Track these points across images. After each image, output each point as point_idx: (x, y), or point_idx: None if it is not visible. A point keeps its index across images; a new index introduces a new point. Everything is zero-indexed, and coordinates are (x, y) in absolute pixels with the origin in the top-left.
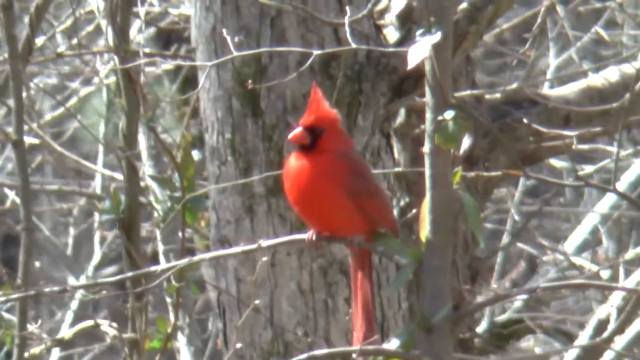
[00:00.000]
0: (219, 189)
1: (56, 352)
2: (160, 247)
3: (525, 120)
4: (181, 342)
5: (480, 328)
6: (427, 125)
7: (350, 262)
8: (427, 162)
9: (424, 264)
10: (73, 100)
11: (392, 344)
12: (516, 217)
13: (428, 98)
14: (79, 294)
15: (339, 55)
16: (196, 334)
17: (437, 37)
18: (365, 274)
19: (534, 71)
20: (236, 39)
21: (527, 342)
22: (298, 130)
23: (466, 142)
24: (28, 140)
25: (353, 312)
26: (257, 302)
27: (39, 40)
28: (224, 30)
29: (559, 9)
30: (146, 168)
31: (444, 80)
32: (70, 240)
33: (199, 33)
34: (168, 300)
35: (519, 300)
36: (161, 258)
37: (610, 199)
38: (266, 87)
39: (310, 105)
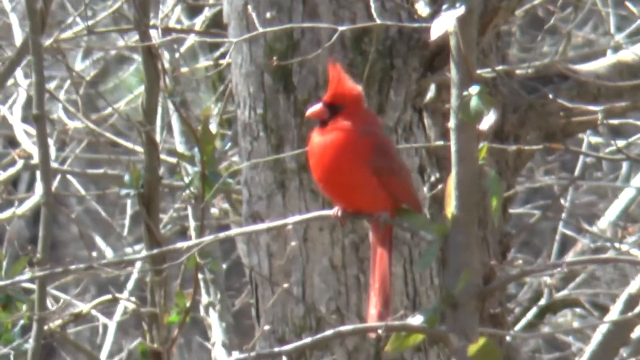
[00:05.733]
0: (250, 165)
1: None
2: (192, 223)
3: (550, 96)
4: (213, 318)
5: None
6: (452, 101)
7: (370, 238)
8: (452, 137)
9: (449, 240)
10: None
11: (417, 320)
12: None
13: (453, 73)
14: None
15: (371, 31)
16: (227, 310)
17: (461, 10)
18: (385, 250)
19: (567, 45)
20: (268, 14)
21: (564, 318)
22: (317, 106)
23: (492, 117)
24: (73, 124)
25: (371, 288)
26: (285, 285)
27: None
28: (249, 7)
29: None
30: (177, 144)
31: (469, 55)
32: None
33: (230, 9)
34: (200, 275)
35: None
36: (192, 234)
37: None
38: (298, 62)
39: (331, 81)
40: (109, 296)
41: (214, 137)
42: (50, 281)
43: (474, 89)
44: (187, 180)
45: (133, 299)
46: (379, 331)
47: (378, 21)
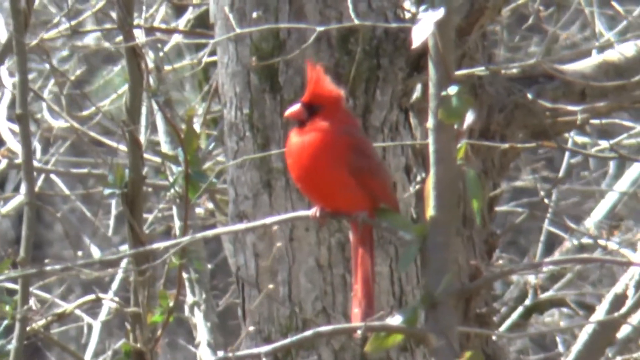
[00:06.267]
0: (236, 165)
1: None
2: (177, 223)
3: (529, 96)
4: (198, 318)
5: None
6: (431, 101)
7: (350, 238)
8: (430, 137)
9: (429, 240)
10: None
11: (396, 320)
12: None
13: (431, 73)
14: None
15: (358, 31)
16: (212, 310)
17: (440, 14)
18: (366, 249)
19: (552, 45)
20: (254, 14)
21: (551, 317)
22: (296, 106)
23: (470, 117)
24: (57, 124)
25: (353, 288)
26: (271, 286)
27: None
28: (226, 9)
29: None
30: (161, 143)
31: (447, 55)
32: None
33: (217, 9)
34: (185, 275)
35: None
36: (177, 234)
37: (630, 175)
38: (284, 62)
39: (309, 82)
40: (92, 296)
41: (198, 137)
42: (33, 281)
43: (453, 89)
44: (171, 180)
45: (116, 299)
46: (359, 332)
47: (361, 21)
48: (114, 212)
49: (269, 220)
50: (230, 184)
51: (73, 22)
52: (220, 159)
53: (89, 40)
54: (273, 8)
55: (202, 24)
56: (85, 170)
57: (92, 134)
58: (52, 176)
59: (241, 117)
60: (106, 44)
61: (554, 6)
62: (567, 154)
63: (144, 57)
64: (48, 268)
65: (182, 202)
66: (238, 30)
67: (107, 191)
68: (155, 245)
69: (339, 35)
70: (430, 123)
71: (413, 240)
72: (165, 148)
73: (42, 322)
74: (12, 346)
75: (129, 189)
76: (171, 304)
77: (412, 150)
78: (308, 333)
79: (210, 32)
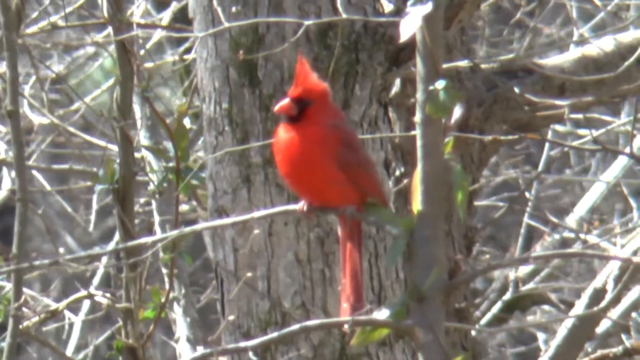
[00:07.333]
0: (215, 159)
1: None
2: (157, 218)
3: (516, 90)
4: (177, 313)
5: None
6: (419, 95)
7: (339, 232)
8: (418, 131)
9: (416, 234)
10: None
11: (383, 314)
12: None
13: (419, 68)
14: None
15: (336, 25)
16: (192, 305)
17: (428, 7)
18: (354, 244)
19: (534, 40)
20: (233, 9)
21: (533, 316)
22: (285, 101)
23: (457, 112)
24: (37, 120)
25: (341, 282)
26: (249, 274)
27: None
28: (214, 2)
29: None
30: (141, 139)
31: (436, 49)
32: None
33: (196, 3)
34: (164, 270)
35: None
36: (157, 229)
37: (612, 171)
38: (263, 57)
39: (298, 77)
40: (84, 292)
41: (188, 133)
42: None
43: (440, 84)
44: (152, 175)
45: (108, 295)
46: (346, 326)
47: (344, 15)
48: (95, 207)
49: (256, 213)
50: (209, 179)
51: (55, 18)
52: (200, 154)
53: (67, 36)
54: (252, 3)
55: (185, 18)
56: (66, 166)
57: (72, 129)
58: (32, 171)
59: (220, 112)
60: (95, 39)
61: (536, 1)
62: (546, 148)
63: (134, 52)
64: (37, 262)
65: (162, 197)
66: (225, 25)
67: (98, 187)
68: (143, 240)
69: (317, 30)
70: (417, 117)
71: (400, 235)
72: (145, 143)
73: (35, 319)
74: (4, 343)
75: (120, 184)
76: (163, 299)
77: (392, 144)
78: (295, 327)
79: (190, 28)
